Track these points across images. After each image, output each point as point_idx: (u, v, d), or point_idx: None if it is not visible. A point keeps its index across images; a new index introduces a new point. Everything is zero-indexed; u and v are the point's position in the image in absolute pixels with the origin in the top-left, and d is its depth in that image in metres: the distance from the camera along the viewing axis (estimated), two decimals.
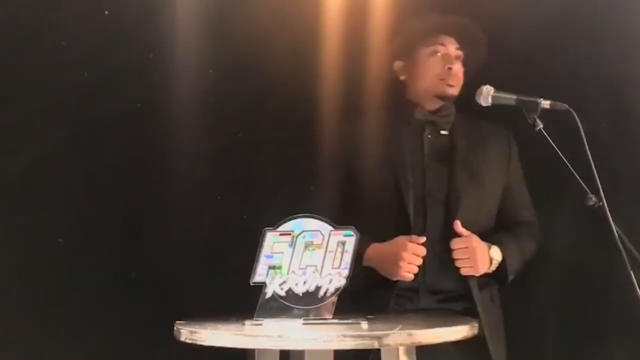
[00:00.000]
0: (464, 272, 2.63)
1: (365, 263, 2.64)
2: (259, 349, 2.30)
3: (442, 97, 2.76)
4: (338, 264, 2.29)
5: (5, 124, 3.00)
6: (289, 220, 2.34)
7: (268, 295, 2.28)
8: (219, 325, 2.22)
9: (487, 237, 2.69)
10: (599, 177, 2.39)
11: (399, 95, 2.85)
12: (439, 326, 2.20)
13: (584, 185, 2.41)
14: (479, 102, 2.64)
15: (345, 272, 2.28)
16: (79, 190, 3.06)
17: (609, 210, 2.37)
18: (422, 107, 2.79)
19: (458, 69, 2.76)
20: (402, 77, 2.84)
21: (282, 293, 2.28)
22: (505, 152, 2.81)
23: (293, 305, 2.27)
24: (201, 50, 3.12)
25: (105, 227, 3.07)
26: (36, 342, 2.99)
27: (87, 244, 3.06)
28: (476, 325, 2.30)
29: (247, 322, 2.24)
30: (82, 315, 3.01)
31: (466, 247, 2.61)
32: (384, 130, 2.77)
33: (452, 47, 2.76)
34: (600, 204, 2.38)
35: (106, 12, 3.06)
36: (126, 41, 3.05)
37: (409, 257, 2.57)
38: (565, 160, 2.47)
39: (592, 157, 2.40)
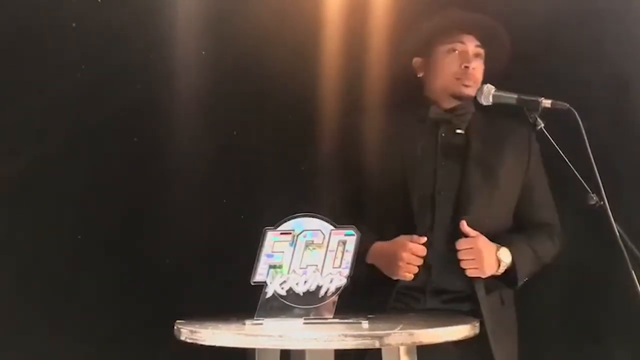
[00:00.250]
0: (469, 273, 2.59)
1: (368, 260, 2.63)
2: (259, 349, 2.30)
3: (457, 97, 2.72)
4: (339, 263, 2.29)
5: (5, 124, 3.00)
6: (290, 219, 2.34)
7: (269, 295, 2.28)
8: (220, 325, 2.22)
9: (498, 238, 2.64)
10: (600, 176, 2.39)
11: (415, 93, 2.81)
12: (439, 326, 2.19)
13: (585, 185, 2.41)
14: (479, 101, 2.64)
15: (346, 272, 2.27)
16: (78, 190, 3.05)
17: (610, 210, 2.37)
18: (439, 105, 2.74)
19: (477, 67, 2.70)
20: (419, 74, 2.79)
21: (283, 292, 2.28)
22: (525, 150, 2.74)
23: (294, 305, 2.26)
24: (201, 50, 3.12)
25: (105, 227, 3.07)
26: (36, 342, 2.99)
27: (87, 243, 3.06)
28: (477, 325, 2.29)
29: (248, 322, 2.23)
30: (82, 315, 3.01)
31: (471, 248, 2.58)
32: (392, 128, 2.74)
33: (471, 45, 2.70)
34: (602, 203, 2.38)
35: (106, 12, 3.06)
36: (126, 41, 3.04)
37: (408, 257, 2.56)
38: (567, 160, 2.47)
39: (593, 156, 2.40)
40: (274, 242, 2.32)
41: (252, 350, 2.31)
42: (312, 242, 2.32)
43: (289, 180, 3.12)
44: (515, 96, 2.56)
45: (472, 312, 2.59)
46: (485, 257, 2.58)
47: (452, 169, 2.69)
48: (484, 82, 2.68)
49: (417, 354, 2.24)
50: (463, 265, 2.59)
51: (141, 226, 3.10)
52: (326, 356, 2.19)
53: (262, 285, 2.29)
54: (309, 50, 3.11)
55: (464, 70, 2.69)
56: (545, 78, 2.96)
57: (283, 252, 2.31)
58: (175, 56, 3.11)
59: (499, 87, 2.62)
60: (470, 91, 2.68)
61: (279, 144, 3.19)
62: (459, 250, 2.58)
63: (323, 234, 2.32)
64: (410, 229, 2.60)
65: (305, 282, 2.28)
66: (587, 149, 2.41)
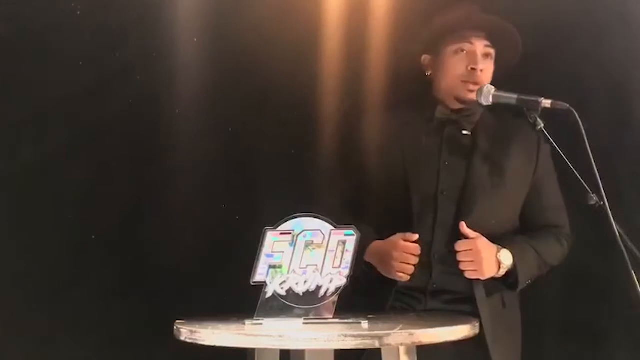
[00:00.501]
0: (468, 275, 2.56)
1: (366, 259, 2.61)
2: (259, 349, 2.30)
3: (462, 102, 2.68)
4: (339, 263, 2.28)
5: (5, 124, 3.00)
6: (290, 219, 2.34)
7: (268, 295, 2.28)
8: (219, 325, 2.22)
9: (502, 239, 2.61)
10: (600, 176, 2.39)
11: (422, 92, 2.78)
12: (439, 326, 2.19)
13: (585, 185, 2.41)
14: (479, 101, 2.62)
15: (346, 272, 2.27)
16: (78, 190, 3.05)
17: (610, 210, 2.37)
18: (445, 105, 2.71)
19: (485, 69, 2.65)
20: (428, 73, 2.75)
21: (283, 292, 2.27)
22: (534, 151, 2.69)
23: (293, 305, 2.26)
24: (201, 50, 3.12)
25: (105, 227, 3.07)
26: (36, 342, 2.99)
27: (87, 243, 3.06)
28: (477, 325, 2.28)
29: (248, 322, 2.23)
30: (82, 315, 3.01)
31: (470, 250, 2.54)
32: (394, 127, 2.72)
33: (480, 45, 2.65)
34: (602, 203, 2.38)
35: (106, 12, 3.06)
36: (126, 41, 3.05)
37: (401, 256, 2.54)
38: (566, 160, 2.47)
39: (593, 156, 2.40)
40: (273, 242, 2.32)
41: (252, 350, 2.30)
42: (312, 242, 2.31)
43: (289, 180, 3.12)
44: (515, 96, 2.55)
45: (473, 314, 2.55)
46: (485, 259, 2.54)
47: (457, 169, 2.66)
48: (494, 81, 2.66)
49: (417, 354, 2.24)
50: (462, 267, 2.55)
51: (141, 226, 3.10)
52: (326, 356, 2.18)
53: (261, 285, 2.29)
54: (309, 50, 3.11)
55: (470, 72, 2.64)
56: (545, 78, 2.96)
57: (283, 252, 2.31)
58: (175, 56, 3.11)
59: (499, 87, 2.62)
60: (475, 96, 2.64)
61: (279, 144, 3.19)
62: (457, 252, 2.55)
63: (323, 234, 2.32)
64: (411, 229, 2.58)
65: (305, 282, 2.28)
66: (587, 149, 2.41)
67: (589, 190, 2.40)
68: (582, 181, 2.41)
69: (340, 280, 2.27)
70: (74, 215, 3.06)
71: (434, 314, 2.59)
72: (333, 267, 2.28)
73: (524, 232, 2.71)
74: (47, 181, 3.03)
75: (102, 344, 3.03)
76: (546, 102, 2.49)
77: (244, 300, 2.30)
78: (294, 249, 2.31)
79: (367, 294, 2.62)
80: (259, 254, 2.31)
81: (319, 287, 2.27)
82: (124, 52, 3.06)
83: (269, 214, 2.51)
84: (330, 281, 2.27)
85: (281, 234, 2.33)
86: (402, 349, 2.17)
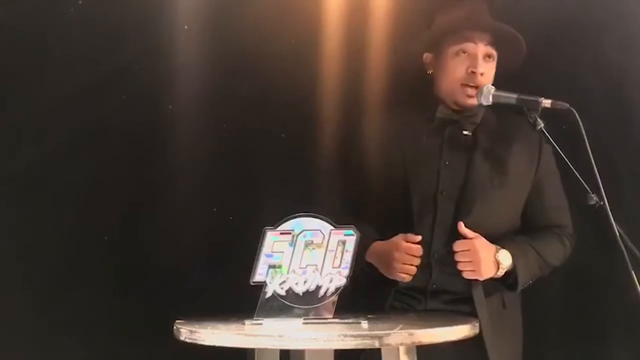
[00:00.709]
0: (466, 275, 2.55)
1: (367, 259, 2.61)
2: (259, 349, 2.30)
3: (460, 107, 2.67)
4: (338, 263, 2.28)
5: (5, 124, 3.00)
6: (290, 219, 2.34)
7: (268, 295, 2.28)
8: (219, 325, 2.22)
9: (502, 239, 2.60)
10: (600, 176, 2.38)
11: (423, 91, 2.77)
12: (439, 326, 2.19)
13: (585, 185, 2.41)
14: (479, 101, 2.62)
15: (346, 272, 2.27)
16: (79, 190, 3.05)
17: (610, 210, 2.37)
18: (446, 105, 2.70)
19: (486, 71, 2.63)
20: (429, 71, 2.73)
21: (282, 292, 2.27)
22: (535, 150, 2.68)
23: (293, 305, 2.26)
24: (201, 50, 3.12)
25: (105, 227, 3.07)
26: (36, 342, 2.99)
27: (87, 243, 3.06)
28: (477, 325, 2.28)
29: (247, 322, 2.23)
30: (82, 315, 3.01)
31: (468, 250, 2.53)
32: (394, 127, 2.71)
33: (482, 46, 2.63)
34: (602, 203, 2.38)
35: (106, 12, 3.06)
36: (126, 41, 3.05)
37: (403, 257, 2.53)
38: (566, 159, 2.47)
39: (593, 156, 2.40)
40: (273, 242, 2.32)
41: (252, 350, 2.31)
42: (312, 242, 2.31)
43: (289, 180, 3.12)
44: (515, 96, 2.55)
45: (473, 314, 2.55)
46: (483, 259, 2.53)
47: (457, 168, 2.65)
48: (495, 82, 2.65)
49: (417, 354, 2.24)
50: (460, 267, 2.54)
51: (141, 226, 3.10)
52: (326, 356, 2.19)
53: (261, 285, 2.29)
54: (309, 50, 3.11)
55: (470, 75, 2.63)
56: (545, 78, 2.96)
57: (282, 252, 2.31)
58: (175, 56, 3.11)
59: (499, 87, 2.62)
60: (474, 101, 2.64)
61: (279, 144, 3.19)
62: (455, 252, 2.55)
63: (323, 234, 2.32)
64: (411, 229, 2.58)
65: (305, 282, 2.28)
66: (587, 149, 2.41)
67: (589, 190, 2.40)
68: (582, 181, 2.41)
69: (340, 280, 2.27)
70: (74, 215, 3.06)
71: (434, 314, 2.59)
72: (333, 267, 2.28)
73: (526, 232, 2.71)
74: (47, 181, 3.03)
75: (102, 344, 3.03)
76: (546, 102, 2.49)
77: (244, 300, 2.30)
78: (294, 249, 2.31)
79: (367, 294, 2.62)
80: (258, 253, 2.31)
81: (318, 287, 2.27)
82: (124, 52, 3.06)
83: (268, 214, 2.50)
84: (330, 281, 2.27)
85: (281, 233, 2.33)
86: (401, 349, 2.17)
